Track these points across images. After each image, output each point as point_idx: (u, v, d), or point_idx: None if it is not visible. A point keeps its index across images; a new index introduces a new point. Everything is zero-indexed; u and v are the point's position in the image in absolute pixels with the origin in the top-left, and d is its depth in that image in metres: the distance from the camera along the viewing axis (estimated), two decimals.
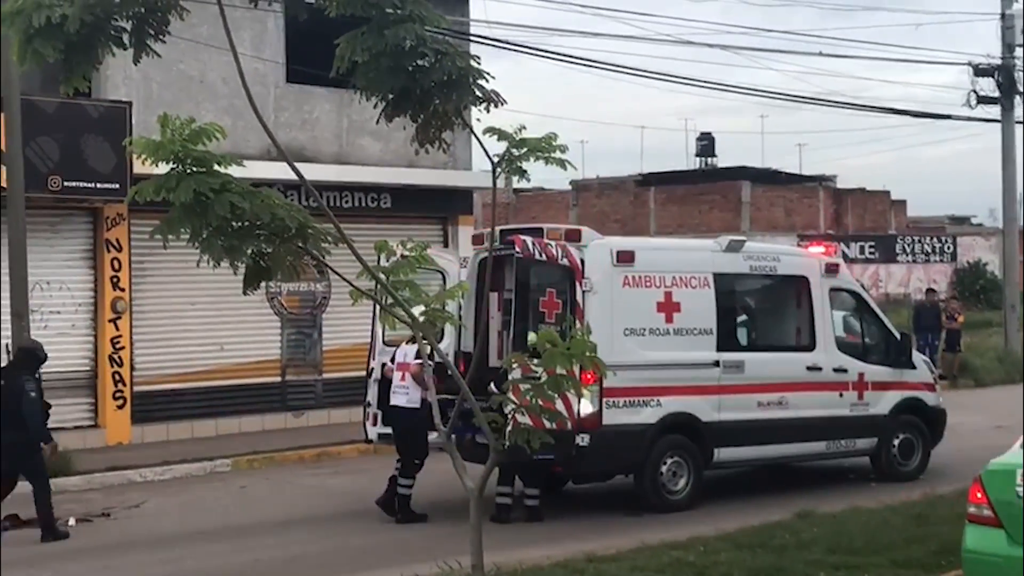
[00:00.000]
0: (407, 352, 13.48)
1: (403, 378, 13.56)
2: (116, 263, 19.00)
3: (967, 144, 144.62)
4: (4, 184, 16.74)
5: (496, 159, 8.86)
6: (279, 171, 10.47)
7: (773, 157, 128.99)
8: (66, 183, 17.70)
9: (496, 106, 8.56)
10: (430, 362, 9.86)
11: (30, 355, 13.64)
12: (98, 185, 17.90)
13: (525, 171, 8.81)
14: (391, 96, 8.59)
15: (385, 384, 13.92)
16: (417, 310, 9.03)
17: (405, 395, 13.53)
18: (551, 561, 10.61)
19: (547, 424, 9.35)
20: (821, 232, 44.96)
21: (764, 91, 53.41)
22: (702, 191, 47.55)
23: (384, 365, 14.04)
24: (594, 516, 13.77)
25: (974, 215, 64.42)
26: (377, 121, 9.08)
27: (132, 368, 19.24)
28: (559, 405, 9.24)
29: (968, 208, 78.79)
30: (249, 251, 8.25)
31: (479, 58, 8.55)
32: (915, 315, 29.03)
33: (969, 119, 31.07)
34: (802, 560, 10.52)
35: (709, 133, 61.11)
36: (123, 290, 19.06)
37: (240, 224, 8.02)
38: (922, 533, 11.43)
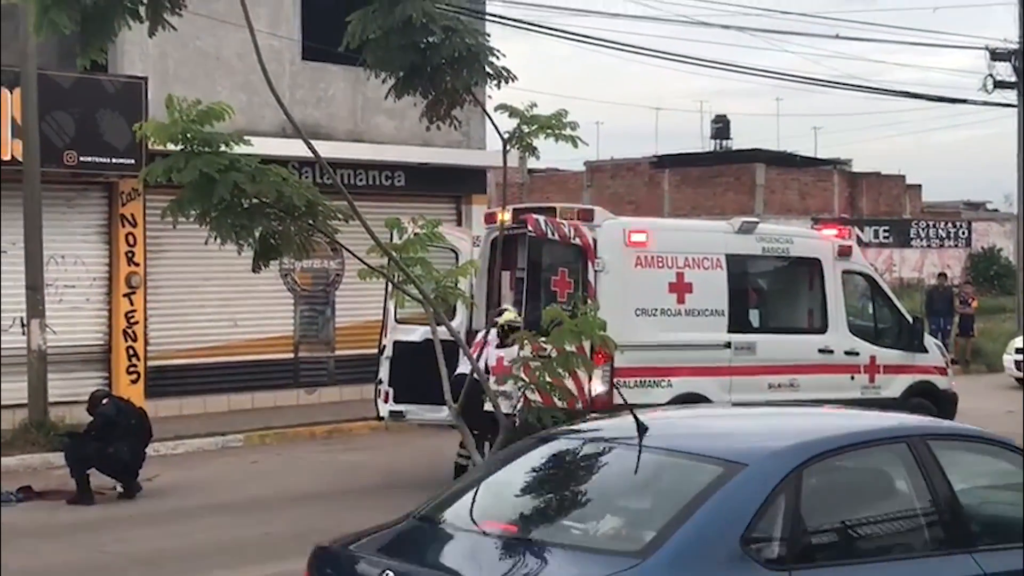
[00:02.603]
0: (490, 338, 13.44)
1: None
2: (131, 238, 19.06)
3: (983, 129, 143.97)
4: (20, 158, 16.82)
5: (507, 136, 8.89)
6: (294, 148, 10.54)
7: (788, 140, 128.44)
8: (81, 158, 17.76)
9: (507, 82, 8.60)
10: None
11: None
12: (113, 160, 17.96)
13: (535, 148, 8.84)
14: (402, 73, 8.63)
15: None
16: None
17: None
18: None
19: (558, 403, 9.40)
20: (835, 215, 44.89)
21: (780, 73, 53.17)
22: (717, 173, 47.50)
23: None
24: None
25: (989, 201, 64.17)
26: (386, 96, 9.12)
27: (146, 343, 19.32)
28: (570, 384, 9.27)
29: (983, 194, 78.55)
30: (259, 230, 8.28)
31: (489, 35, 8.60)
32: (927, 299, 29.03)
33: (986, 104, 31.05)
34: None
35: (724, 115, 61.08)
36: (138, 265, 19.13)
37: (248, 203, 8.05)
38: None
